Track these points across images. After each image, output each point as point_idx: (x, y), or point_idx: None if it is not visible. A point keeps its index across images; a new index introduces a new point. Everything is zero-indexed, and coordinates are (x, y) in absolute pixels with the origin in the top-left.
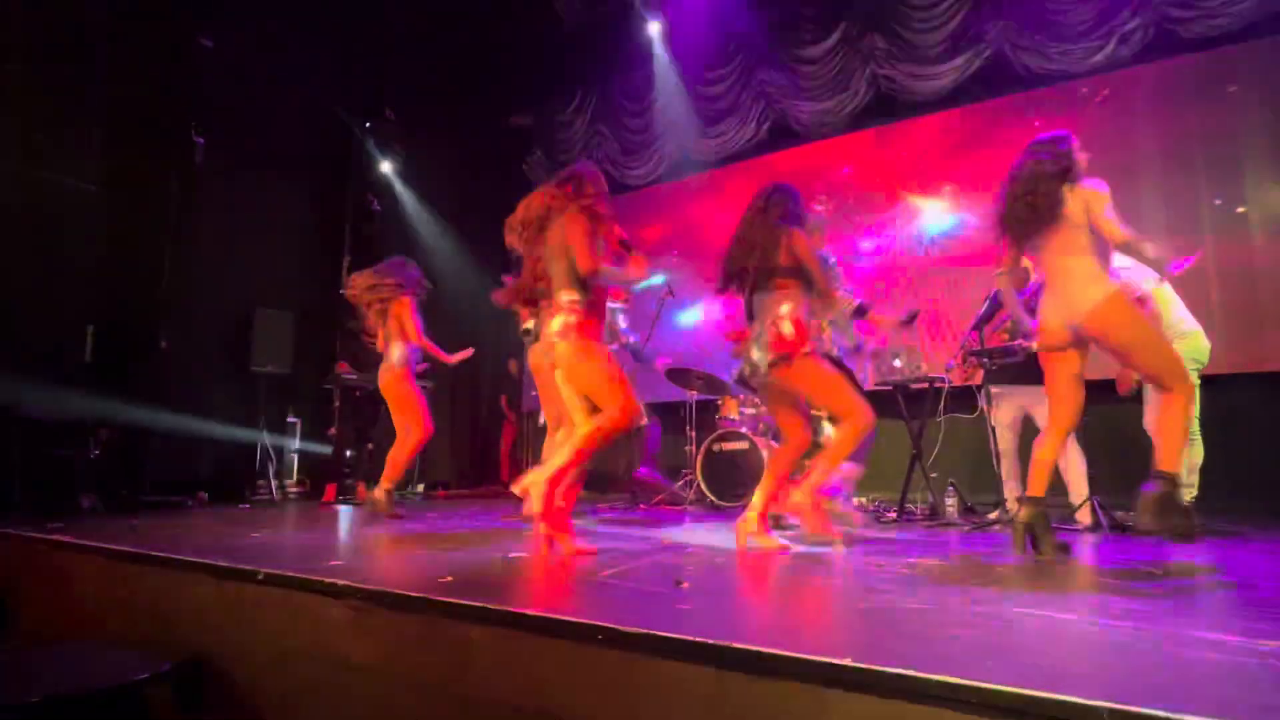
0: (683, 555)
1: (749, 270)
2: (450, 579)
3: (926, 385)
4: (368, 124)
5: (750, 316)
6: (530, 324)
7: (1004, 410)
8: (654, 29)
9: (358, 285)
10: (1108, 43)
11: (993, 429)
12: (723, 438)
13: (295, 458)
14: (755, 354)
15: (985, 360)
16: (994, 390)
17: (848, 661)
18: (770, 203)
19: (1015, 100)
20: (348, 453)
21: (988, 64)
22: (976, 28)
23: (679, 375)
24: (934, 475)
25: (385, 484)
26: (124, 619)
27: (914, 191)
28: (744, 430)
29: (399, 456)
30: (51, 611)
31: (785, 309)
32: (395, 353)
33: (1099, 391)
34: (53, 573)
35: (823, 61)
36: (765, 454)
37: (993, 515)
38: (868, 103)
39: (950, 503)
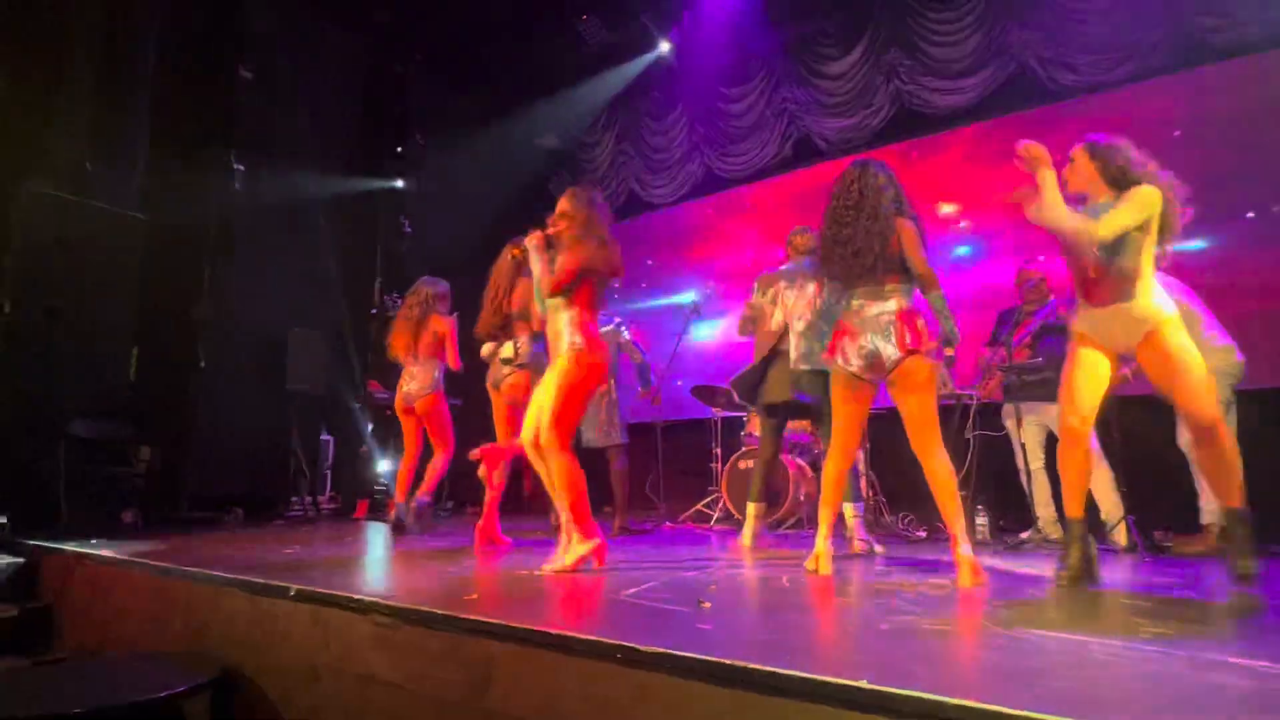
0: (705, 574)
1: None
2: (475, 596)
3: (954, 402)
4: (398, 149)
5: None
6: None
7: (1032, 428)
8: (670, 49)
9: (414, 296)
10: (1136, 53)
11: (1021, 446)
12: (747, 455)
13: (328, 474)
14: (881, 344)
15: (1013, 376)
16: (1021, 408)
17: (864, 684)
18: (883, 188)
19: (1045, 113)
20: (379, 469)
21: (1014, 77)
22: (1001, 40)
23: (704, 393)
24: (963, 494)
25: (422, 494)
26: (163, 633)
27: (939, 207)
28: None
29: (438, 467)
30: (96, 625)
31: (906, 304)
32: (432, 372)
33: (1130, 406)
34: (97, 587)
35: (845, 78)
36: (791, 471)
37: (1024, 535)
38: (891, 118)
39: (981, 523)
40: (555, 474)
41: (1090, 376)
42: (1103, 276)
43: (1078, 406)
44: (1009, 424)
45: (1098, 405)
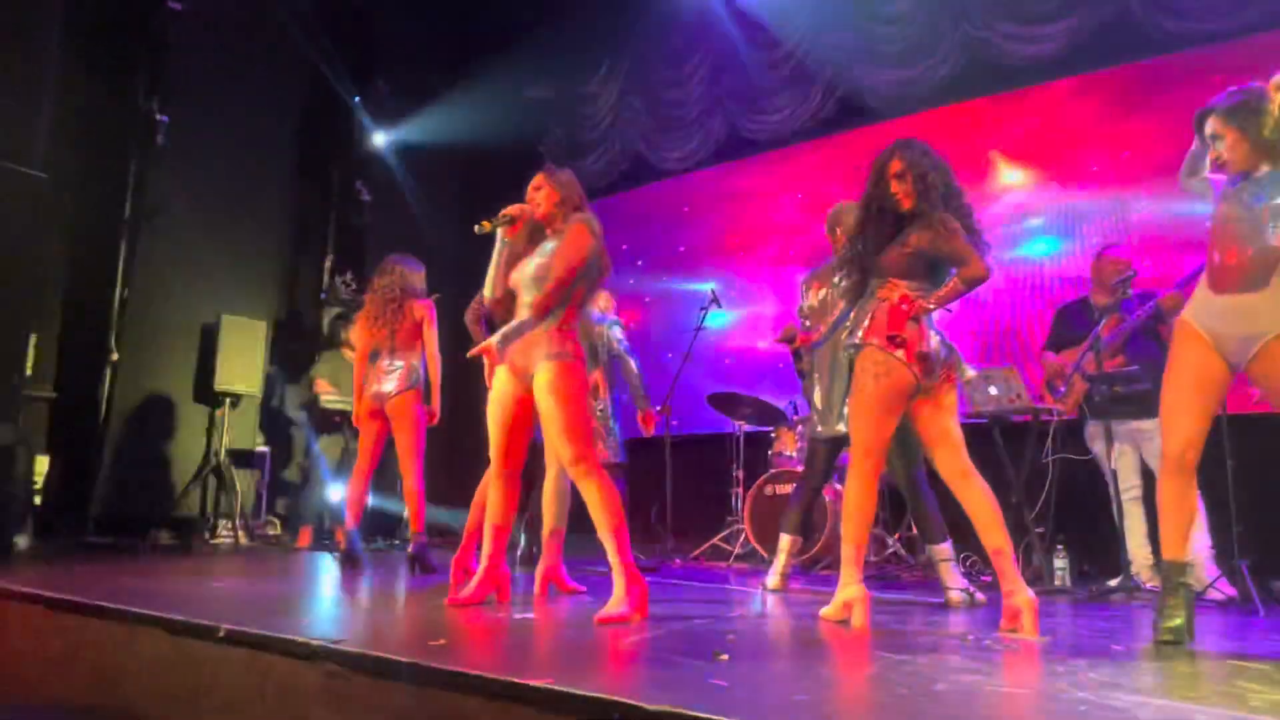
0: (722, 621)
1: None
2: (443, 642)
3: (1031, 418)
4: (356, 97)
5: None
6: None
7: (1129, 453)
8: None
9: (388, 276)
10: None
11: (1112, 473)
12: (776, 478)
13: (264, 494)
14: (940, 345)
15: (1103, 388)
16: (1113, 427)
17: None
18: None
19: (1145, 68)
20: (326, 490)
21: (1109, 23)
22: None
23: (724, 402)
24: (1040, 531)
25: (417, 531)
26: (64, 679)
27: (1015, 181)
28: (802, 469)
29: (417, 491)
30: None
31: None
32: (411, 368)
33: (1249, 425)
34: None
35: (905, 21)
36: (828, 496)
37: (1113, 582)
38: (959, 71)
39: (1060, 565)
40: (593, 501)
41: (1199, 386)
42: (1240, 257)
43: (1181, 425)
44: (1096, 447)
45: (1208, 425)
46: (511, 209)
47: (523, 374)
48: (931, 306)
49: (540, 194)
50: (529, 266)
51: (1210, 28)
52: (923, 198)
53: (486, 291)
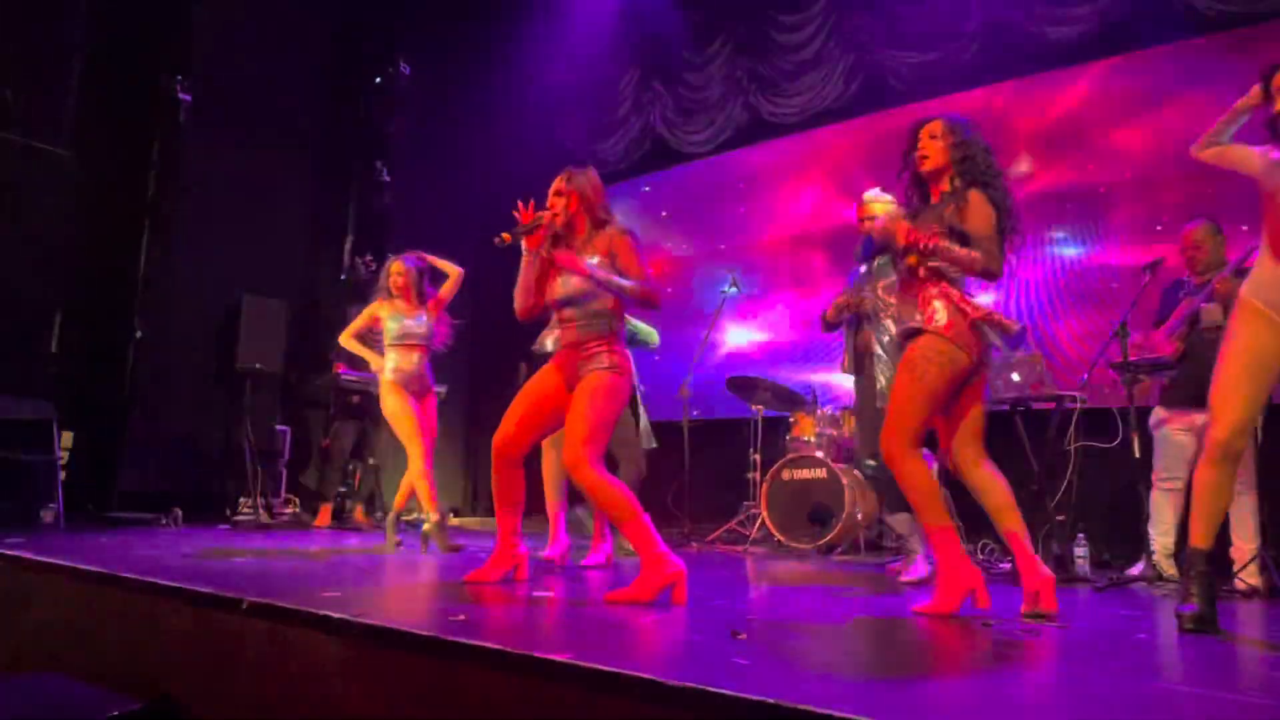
0: (742, 603)
1: None
2: (464, 618)
3: (1054, 404)
4: (377, 79)
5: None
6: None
7: (1180, 436)
8: None
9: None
10: None
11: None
12: (794, 463)
13: (284, 472)
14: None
15: (1128, 375)
16: (1162, 415)
17: None
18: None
19: (1181, 49)
20: (348, 469)
21: (1141, 3)
22: None
23: (742, 386)
24: (1060, 519)
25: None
26: (88, 650)
27: (1040, 166)
28: (819, 454)
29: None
30: (7, 640)
31: None
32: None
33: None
34: (9, 595)
35: (923, 2)
36: (845, 482)
37: (1134, 570)
38: (985, 52)
39: (1080, 554)
40: (598, 498)
41: (1258, 368)
42: None
43: (1232, 409)
44: (1163, 431)
45: (1259, 411)
46: (531, 217)
47: (573, 379)
48: (973, 307)
49: (561, 202)
50: (569, 281)
51: (1237, 10)
52: (956, 166)
53: (517, 304)
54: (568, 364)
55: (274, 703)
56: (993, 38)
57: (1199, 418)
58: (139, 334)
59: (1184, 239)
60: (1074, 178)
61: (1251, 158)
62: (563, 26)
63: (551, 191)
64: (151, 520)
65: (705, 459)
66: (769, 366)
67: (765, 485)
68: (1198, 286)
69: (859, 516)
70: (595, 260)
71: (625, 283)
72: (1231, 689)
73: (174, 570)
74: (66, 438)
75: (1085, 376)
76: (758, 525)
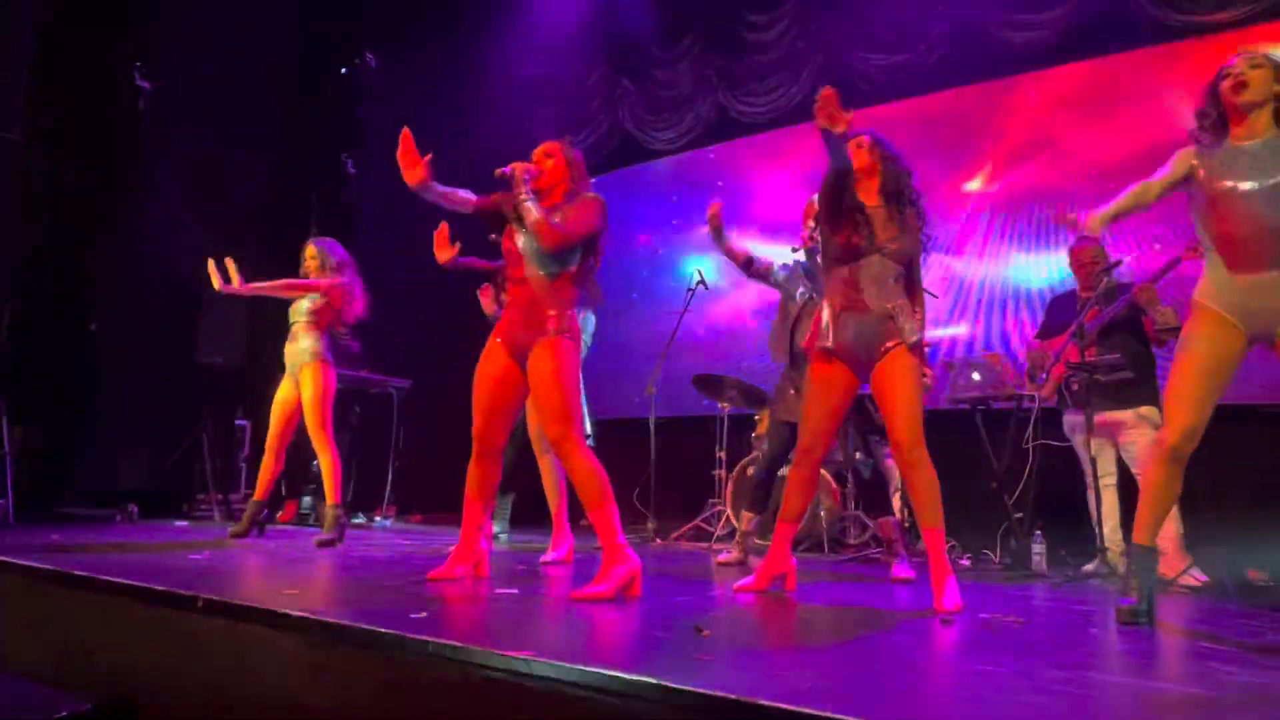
0: (705, 599)
1: None
2: (425, 615)
3: (1013, 405)
4: (343, 70)
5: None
6: None
7: (1106, 445)
8: None
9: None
10: None
11: (1091, 461)
12: (758, 461)
13: (244, 468)
14: (907, 325)
15: (1083, 375)
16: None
17: None
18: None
19: (1136, 57)
20: (313, 465)
21: (1106, 11)
22: None
23: (709, 384)
24: (1019, 515)
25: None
26: (40, 649)
27: (1004, 167)
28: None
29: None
30: None
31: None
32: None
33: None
34: None
35: (892, 5)
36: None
37: (1089, 567)
38: (953, 55)
39: (1037, 550)
40: (577, 478)
41: (1210, 373)
42: (1260, 234)
43: (1184, 413)
44: (1076, 436)
45: (1210, 414)
46: (516, 166)
47: (520, 349)
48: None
49: (550, 161)
50: (529, 240)
51: (1200, 20)
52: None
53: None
54: (512, 330)
55: (231, 702)
56: (960, 41)
57: (1123, 416)
58: (94, 326)
59: (1078, 256)
60: (1037, 179)
61: (1185, 162)
62: (532, 22)
63: (541, 152)
64: (106, 516)
65: (671, 456)
66: (736, 362)
67: (730, 482)
68: (1085, 301)
69: (821, 513)
70: (557, 219)
71: (535, 209)
72: (1171, 679)
73: (128, 567)
74: (16, 432)
75: (1044, 376)
76: (723, 522)
